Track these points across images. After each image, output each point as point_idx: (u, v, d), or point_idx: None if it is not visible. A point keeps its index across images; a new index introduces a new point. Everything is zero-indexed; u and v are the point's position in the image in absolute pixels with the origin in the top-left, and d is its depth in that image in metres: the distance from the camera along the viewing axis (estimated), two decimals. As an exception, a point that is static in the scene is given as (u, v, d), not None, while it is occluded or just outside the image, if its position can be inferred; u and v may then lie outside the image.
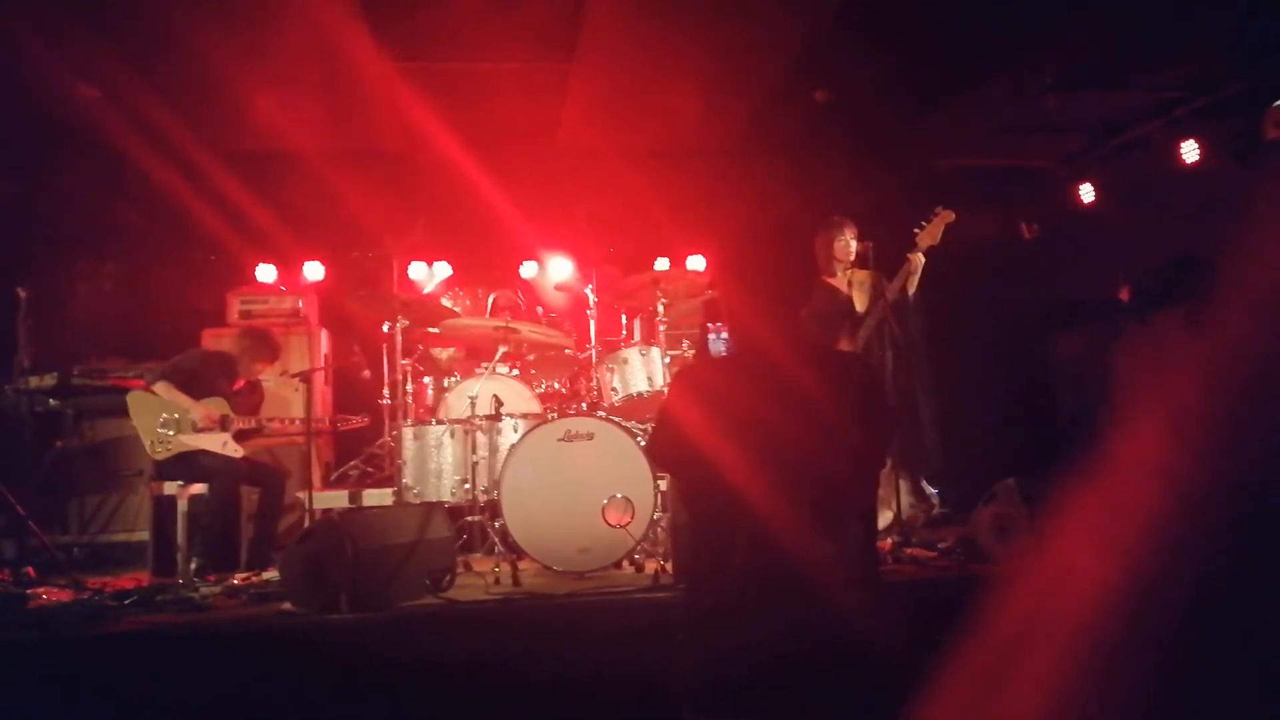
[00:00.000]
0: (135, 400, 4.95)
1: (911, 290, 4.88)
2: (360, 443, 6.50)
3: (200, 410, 4.95)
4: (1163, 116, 6.32)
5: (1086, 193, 7.00)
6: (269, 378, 6.23)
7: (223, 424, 5.01)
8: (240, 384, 5.30)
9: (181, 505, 4.83)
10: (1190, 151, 6.13)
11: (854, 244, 4.99)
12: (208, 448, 4.93)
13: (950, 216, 4.81)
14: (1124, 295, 6.64)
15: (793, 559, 1.84)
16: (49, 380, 5.69)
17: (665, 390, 4.82)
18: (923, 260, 4.81)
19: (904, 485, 5.08)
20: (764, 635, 1.84)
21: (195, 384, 5.03)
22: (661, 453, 2.14)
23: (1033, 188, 7.38)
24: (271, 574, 4.44)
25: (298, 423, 5.34)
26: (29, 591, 4.23)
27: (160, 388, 4.96)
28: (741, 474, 1.87)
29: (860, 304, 4.94)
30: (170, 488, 4.89)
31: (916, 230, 4.82)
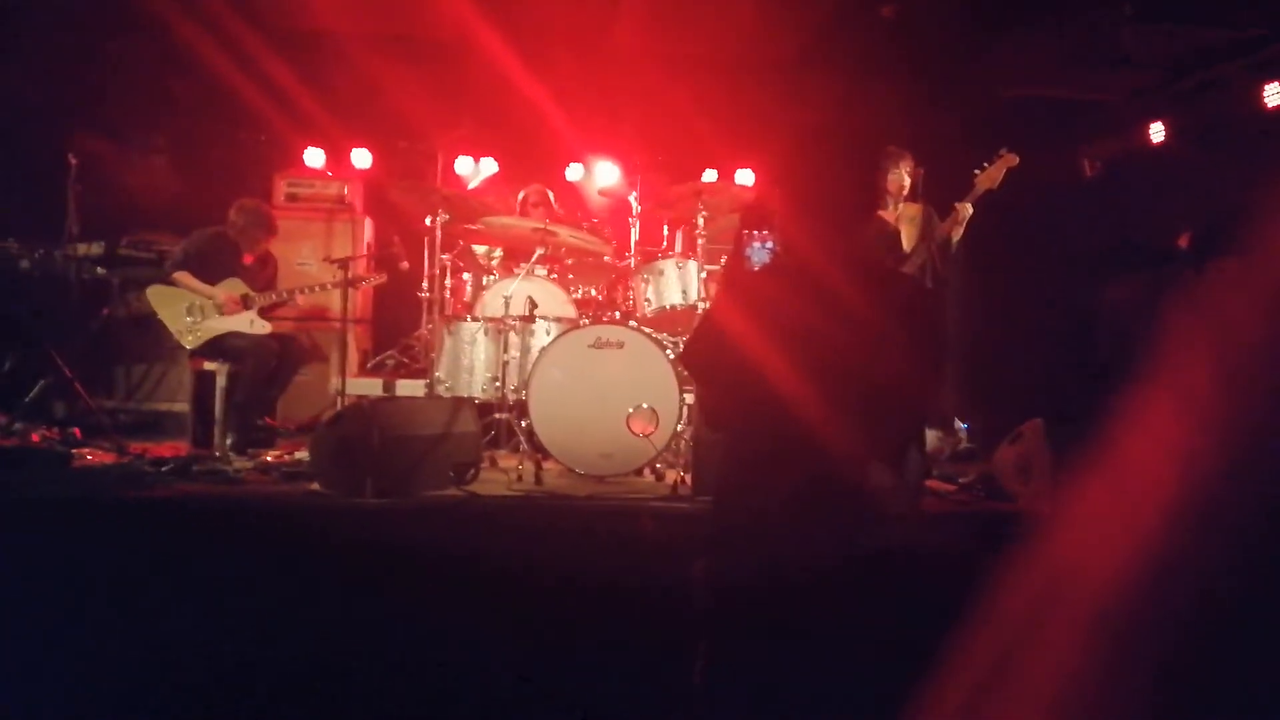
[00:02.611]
0: (156, 294, 5.00)
1: (956, 238, 4.74)
2: (398, 333, 6.60)
3: (221, 294, 5.01)
4: (1246, 57, 5.99)
5: (1157, 132, 6.71)
6: (309, 261, 6.32)
7: (245, 303, 5.08)
8: (249, 259, 5.35)
9: (220, 381, 4.97)
10: (1274, 94, 5.82)
11: (908, 178, 4.83)
12: (236, 329, 5.02)
13: (1014, 160, 4.61)
14: (1183, 242, 6.43)
15: (844, 472, 1.82)
16: (96, 249, 5.81)
17: (699, 304, 4.80)
18: (970, 211, 4.65)
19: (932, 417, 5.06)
20: (801, 551, 1.83)
21: (210, 266, 5.08)
22: (698, 359, 2.08)
23: (1099, 123, 7.09)
24: (302, 453, 4.57)
25: (318, 289, 5.45)
26: (74, 451, 4.41)
27: (179, 277, 5.01)
28: (792, 385, 1.82)
29: (908, 239, 4.80)
30: (210, 363, 5.02)
31: (977, 171, 4.64)
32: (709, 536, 2.06)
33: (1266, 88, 5.82)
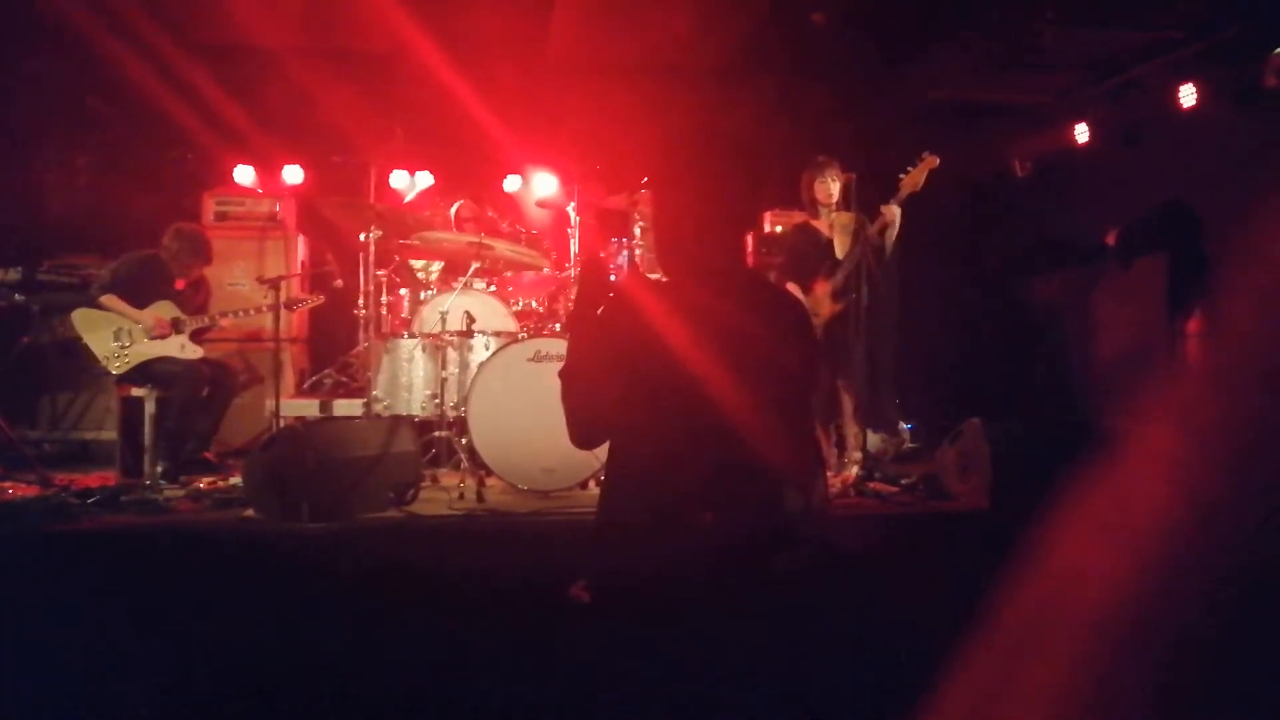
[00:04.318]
0: (81, 318, 4.83)
1: (889, 242, 4.76)
2: (335, 351, 6.48)
3: (150, 318, 4.86)
4: (1161, 57, 6.18)
5: (1081, 133, 6.89)
6: (242, 281, 6.18)
7: (175, 327, 4.95)
8: (181, 284, 5.21)
9: (149, 407, 4.82)
10: (1188, 95, 6.01)
11: (835, 184, 4.85)
12: (165, 354, 4.88)
13: (934, 162, 4.68)
14: (1110, 239, 6.60)
15: (761, 459, 1.80)
16: (14, 274, 5.60)
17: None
18: (898, 212, 4.69)
19: (874, 421, 5.11)
20: (721, 537, 1.81)
21: (140, 291, 4.92)
22: (586, 369, 1.98)
23: (1026, 124, 7.26)
24: (236, 479, 4.46)
25: (252, 313, 5.30)
26: (-7, 486, 4.25)
27: (107, 300, 4.84)
28: (701, 381, 1.79)
29: (841, 248, 4.81)
30: (138, 389, 4.87)
31: (901, 175, 4.70)
32: (601, 553, 2.00)
33: (1181, 88, 6.01)
